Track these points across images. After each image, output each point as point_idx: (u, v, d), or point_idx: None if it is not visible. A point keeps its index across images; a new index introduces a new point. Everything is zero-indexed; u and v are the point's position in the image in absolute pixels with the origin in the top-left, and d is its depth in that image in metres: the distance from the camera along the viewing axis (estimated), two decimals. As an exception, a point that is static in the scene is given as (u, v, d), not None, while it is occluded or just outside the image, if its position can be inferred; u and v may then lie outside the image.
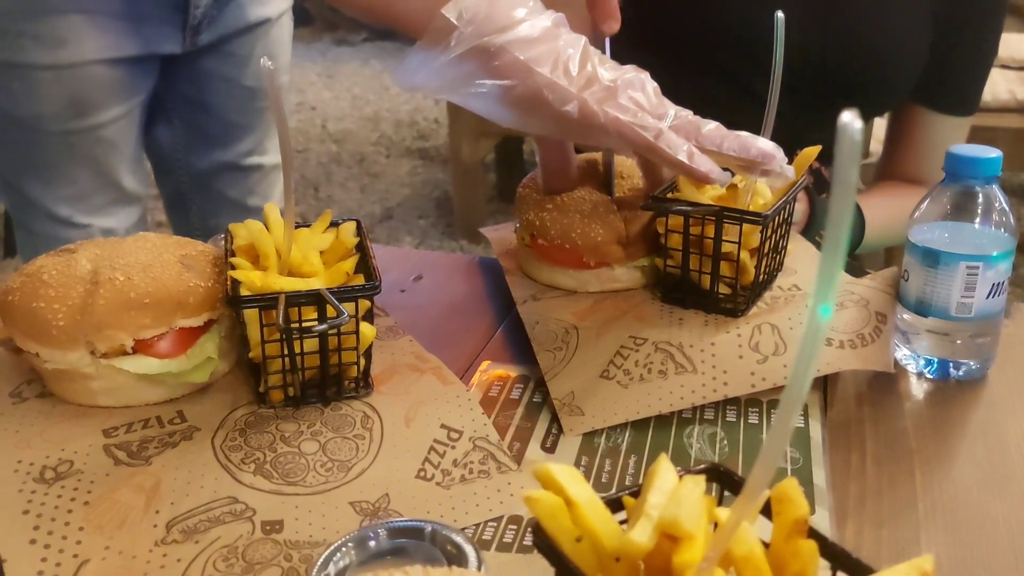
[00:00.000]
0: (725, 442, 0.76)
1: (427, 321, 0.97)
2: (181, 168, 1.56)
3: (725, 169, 0.79)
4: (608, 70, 0.78)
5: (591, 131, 0.77)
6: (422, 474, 0.70)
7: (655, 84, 0.80)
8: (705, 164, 0.77)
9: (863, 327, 0.83)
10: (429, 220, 3.64)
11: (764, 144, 0.79)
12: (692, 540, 0.41)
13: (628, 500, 0.46)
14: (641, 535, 0.42)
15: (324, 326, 0.67)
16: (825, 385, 0.82)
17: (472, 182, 3.43)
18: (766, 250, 0.85)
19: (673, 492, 0.44)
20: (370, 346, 0.77)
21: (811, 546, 0.42)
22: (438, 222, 3.62)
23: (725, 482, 0.49)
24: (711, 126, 0.79)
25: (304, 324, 0.70)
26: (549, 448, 0.76)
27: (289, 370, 0.74)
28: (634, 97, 0.77)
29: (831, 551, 0.42)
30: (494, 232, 1.11)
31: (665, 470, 0.46)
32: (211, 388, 0.78)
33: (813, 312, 0.33)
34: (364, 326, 0.75)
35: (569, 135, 0.85)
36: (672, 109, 0.79)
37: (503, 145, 3.71)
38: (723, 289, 0.87)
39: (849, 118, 0.30)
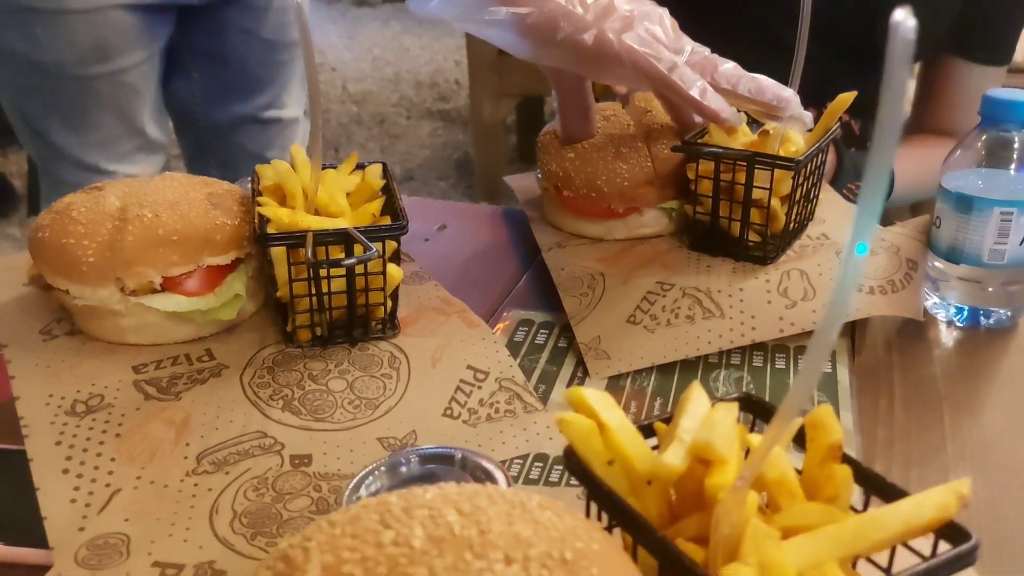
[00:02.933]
0: (752, 386, 0.75)
1: (451, 269, 0.97)
2: (200, 121, 1.56)
3: (750, 119, 0.78)
4: (626, 1, 0.77)
5: (606, 62, 0.76)
6: (448, 412, 0.70)
7: (673, 20, 0.79)
8: (717, 103, 0.76)
9: (893, 274, 0.82)
10: (449, 181, 3.63)
11: (780, 89, 0.78)
12: (725, 464, 0.41)
13: (660, 426, 0.46)
14: (674, 458, 0.42)
15: (353, 260, 0.67)
16: (853, 331, 0.82)
17: (492, 143, 3.41)
18: (797, 197, 0.84)
19: (706, 417, 0.44)
20: (397, 288, 0.77)
21: (845, 471, 0.42)
22: (458, 183, 3.61)
23: (757, 411, 0.48)
24: (728, 65, 0.78)
25: (331, 259, 0.70)
26: (575, 390, 0.76)
27: (316, 309, 0.74)
28: (651, 30, 0.76)
29: (865, 476, 0.42)
30: (518, 181, 1.10)
31: (697, 396, 0.46)
32: (239, 328, 0.78)
33: (854, 238, 0.32)
34: (391, 267, 0.75)
35: (584, 66, 0.83)
36: (689, 45, 0.78)
37: (524, 106, 3.68)
38: (753, 237, 0.86)
39: (902, 15, 0.29)
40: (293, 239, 0.70)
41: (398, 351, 0.76)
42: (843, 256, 0.33)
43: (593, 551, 0.35)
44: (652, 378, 0.77)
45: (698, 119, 0.89)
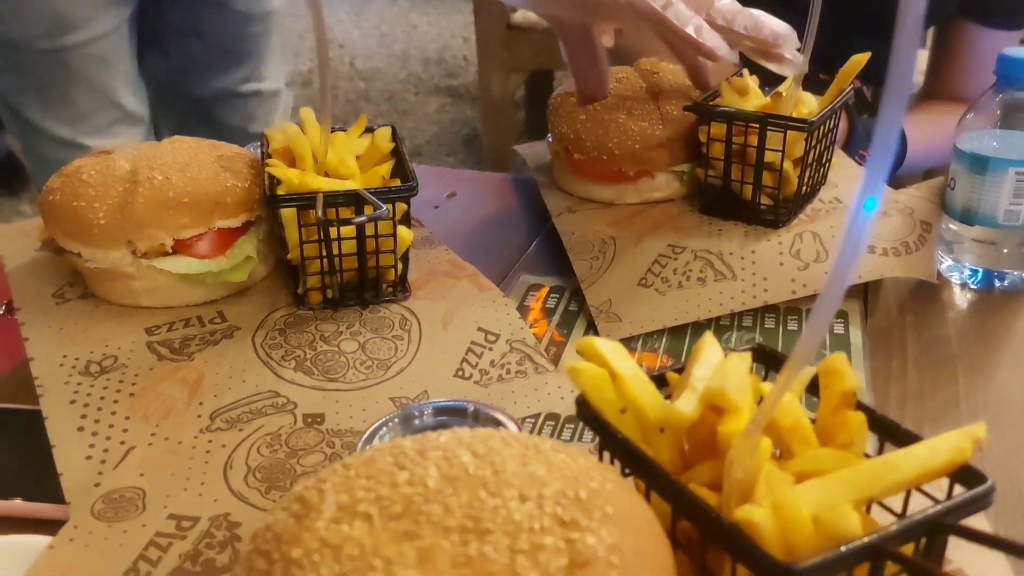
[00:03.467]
0: (764, 348, 0.75)
1: (461, 236, 0.96)
2: (181, 97, 1.54)
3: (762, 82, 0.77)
4: None
5: (603, 3, 0.75)
6: (460, 373, 0.70)
7: None
8: (713, 40, 0.75)
9: (907, 235, 0.82)
10: (458, 157, 3.62)
11: (778, 25, 0.77)
12: (738, 411, 0.41)
13: (672, 376, 0.46)
14: (686, 405, 0.42)
15: (363, 218, 0.67)
16: (866, 293, 0.81)
17: (501, 119, 3.39)
18: (810, 160, 0.84)
19: (719, 366, 0.44)
20: (407, 251, 0.77)
21: (859, 417, 0.41)
22: (467, 159, 3.60)
23: (770, 361, 0.48)
24: (724, 1, 0.77)
25: (341, 217, 0.70)
26: (586, 352, 0.76)
27: (327, 272, 0.74)
28: None
29: (879, 423, 0.42)
30: (528, 148, 1.09)
31: (711, 346, 0.46)
32: (250, 291, 0.78)
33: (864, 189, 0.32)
34: (401, 229, 0.75)
35: (582, 10, 0.82)
36: None
37: (533, 81, 3.66)
38: (765, 200, 0.85)
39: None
40: (303, 200, 0.70)
41: (409, 313, 0.76)
42: (854, 201, 0.32)
43: (607, 490, 0.35)
44: (664, 341, 0.77)
45: (713, 80, 0.88)
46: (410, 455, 0.36)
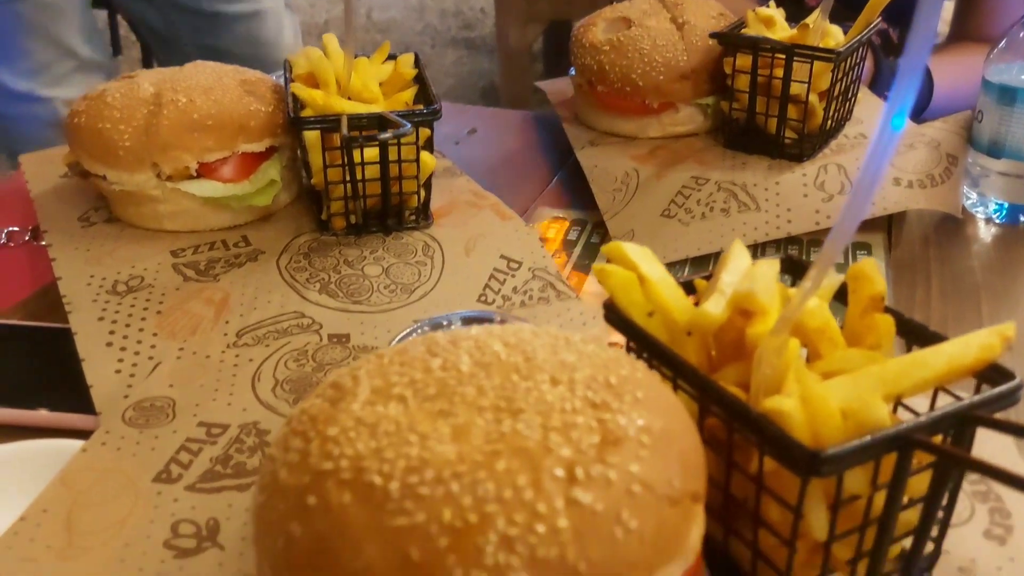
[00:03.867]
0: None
1: (482, 171, 0.96)
2: (184, 44, 1.53)
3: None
4: None
5: None
6: (483, 299, 0.70)
7: None
8: None
9: (933, 168, 0.81)
10: (475, 110, 3.60)
11: None
12: (766, 314, 0.41)
13: (700, 282, 0.46)
14: (715, 307, 0.42)
15: (388, 134, 0.66)
16: (890, 226, 0.81)
17: (519, 70, 3.36)
18: (835, 93, 0.83)
19: (748, 271, 0.44)
20: (430, 178, 0.77)
21: (887, 319, 0.41)
22: (484, 112, 3.58)
23: (798, 272, 0.48)
24: None
25: (365, 135, 0.70)
26: (608, 280, 0.76)
27: (351, 197, 0.74)
28: None
29: (907, 326, 0.42)
30: (550, 84, 1.09)
31: (739, 253, 0.45)
32: (274, 217, 0.79)
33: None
34: (424, 155, 0.75)
35: None
36: None
37: (551, 32, 3.62)
38: (789, 133, 0.85)
39: None
40: (327, 122, 0.70)
41: (432, 240, 0.76)
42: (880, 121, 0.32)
43: (637, 378, 0.35)
44: (687, 271, 0.77)
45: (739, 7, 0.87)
46: (442, 344, 0.37)
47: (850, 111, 0.90)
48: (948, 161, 0.82)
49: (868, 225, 0.79)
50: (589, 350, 0.36)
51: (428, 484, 0.30)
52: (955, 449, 0.35)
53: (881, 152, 0.34)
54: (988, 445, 0.49)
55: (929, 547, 0.42)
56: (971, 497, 0.48)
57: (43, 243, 0.75)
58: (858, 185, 0.34)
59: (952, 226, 0.82)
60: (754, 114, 0.85)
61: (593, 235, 0.83)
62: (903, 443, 0.35)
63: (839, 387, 0.37)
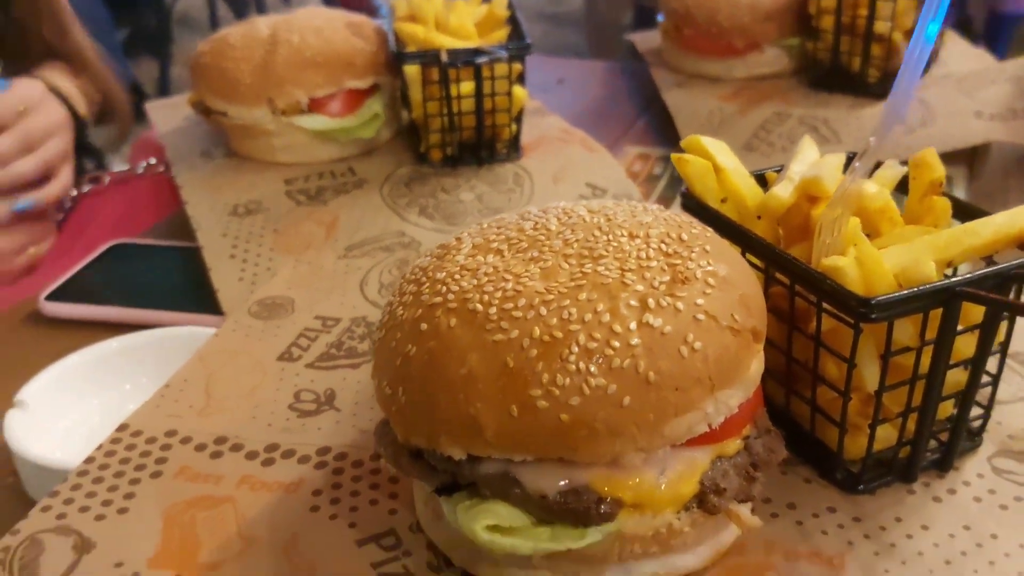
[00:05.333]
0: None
1: (570, 116, 0.99)
2: None
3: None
4: None
5: None
6: (570, 222, 0.75)
7: None
8: None
9: (1014, 102, 0.82)
10: (564, 82, 3.63)
11: None
12: (830, 198, 0.45)
13: (771, 175, 0.50)
14: (783, 192, 0.46)
15: (484, 58, 0.71)
16: (973, 158, 0.82)
17: (607, 45, 3.38)
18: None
19: (815, 160, 0.47)
20: (521, 113, 0.82)
21: (944, 202, 0.45)
22: (573, 84, 3.60)
23: (865, 170, 0.51)
24: None
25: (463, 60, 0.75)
26: (690, 209, 0.80)
27: (448, 129, 0.79)
28: None
29: (964, 208, 0.45)
30: (639, 36, 1.12)
31: (808, 147, 0.49)
32: (376, 151, 0.85)
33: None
34: (517, 88, 0.80)
35: None
36: None
37: (641, 8, 3.62)
38: (873, 72, 0.87)
39: None
40: (427, 56, 0.76)
41: (522, 170, 0.81)
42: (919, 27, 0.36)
43: (707, 236, 0.40)
44: (765, 200, 0.80)
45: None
46: (534, 212, 0.42)
47: (936, 52, 0.92)
48: (1031, 94, 0.83)
49: (950, 158, 0.81)
50: (665, 215, 0.41)
51: (521, 309, 0.35)
52: (999, 296, 0.38)
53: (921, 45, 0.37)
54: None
55: (978, 412, 0.45)
56: (1029, 379, 0.51)
57: (171, 175, 0.83)
58: (902, 72, 0.37)
59: (1035, 159, 0.83)
60: (838, 53, 0.88)
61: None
62: (949, 295, 0.38)
63: (893, 252, 0.41)
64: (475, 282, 0.37)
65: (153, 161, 0.91)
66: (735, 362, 0.36)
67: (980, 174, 0.81)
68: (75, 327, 0.66)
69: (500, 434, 0.34)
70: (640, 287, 0.36)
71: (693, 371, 0.34)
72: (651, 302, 0.35)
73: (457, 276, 0.38)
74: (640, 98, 1.04)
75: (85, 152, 1.07)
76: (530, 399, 0.34)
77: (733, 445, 0.38)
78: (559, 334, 0.34)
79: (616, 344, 0.34)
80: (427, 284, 0.39)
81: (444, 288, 0.37)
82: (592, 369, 0.34)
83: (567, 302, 0.35)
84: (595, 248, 0.38)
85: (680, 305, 0.35)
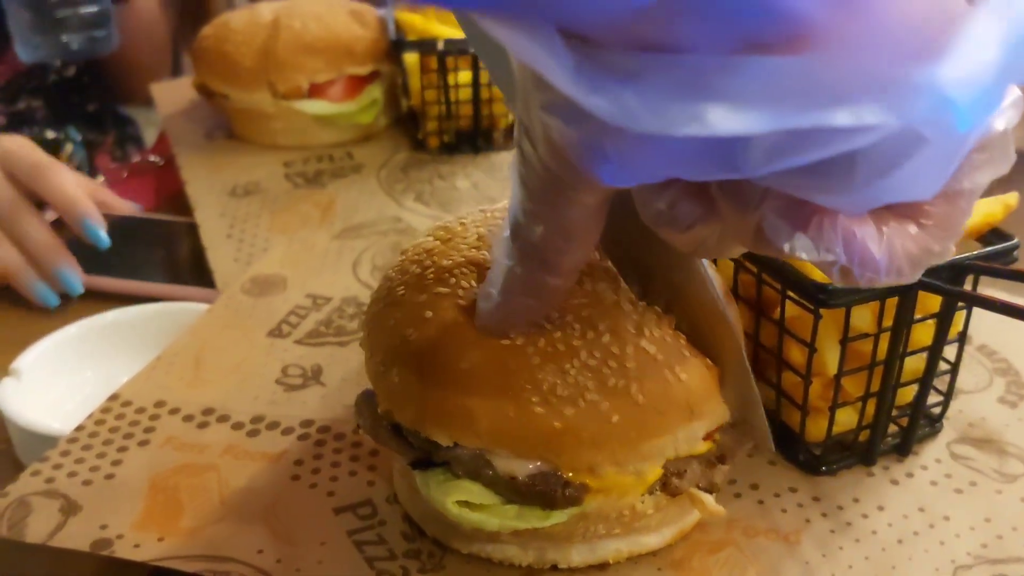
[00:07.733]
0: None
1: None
2: None
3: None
4: None
5: None
6: (561, 210, 0.76)
7: None
8: None
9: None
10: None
11: None
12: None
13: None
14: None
15: (479, 49, 0.73)
16: None
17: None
18: None
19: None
20: (518, 102, 0.83)
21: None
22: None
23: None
24: None
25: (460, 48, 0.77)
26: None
27: (445, 116, 0.81)
28: None
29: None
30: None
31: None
32: (375, 137, 0.86)
33: None
34: (513, 79, 0.81)
35: None
36: None
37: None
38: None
39: None
40: (426, 45, 0.77)
41: (517, 159, 0.83)
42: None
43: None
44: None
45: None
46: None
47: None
48: None
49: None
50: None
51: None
52: (953, 287, 0.39)
53: None
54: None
55: (938, 399, 0.47)
56: (992, 372, 0.52)
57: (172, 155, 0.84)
58: None
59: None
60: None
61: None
62: (905, 285, 0.39)
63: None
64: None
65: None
66: (714, 395, 0.38)
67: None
68: (72, 299, 0.68)
69: (492, 431, 0.37)
70: (636, 316, 0.38)
71: (676, 399, 0.37)
72: (646, 331, 0.37)
73: (465, 271, 0.40)
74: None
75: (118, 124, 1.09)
76: (528, 403, 0.36)
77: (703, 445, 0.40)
78: (561, 347, 0.37)
79: (613, 364, 0.36)
80: (432, 270, 0.41)
81: (452, 280, 0.40)
82: (589, 384, 0.36)
83: (570, 317, 0.37)
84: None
85: (668, 338, 0.38)
